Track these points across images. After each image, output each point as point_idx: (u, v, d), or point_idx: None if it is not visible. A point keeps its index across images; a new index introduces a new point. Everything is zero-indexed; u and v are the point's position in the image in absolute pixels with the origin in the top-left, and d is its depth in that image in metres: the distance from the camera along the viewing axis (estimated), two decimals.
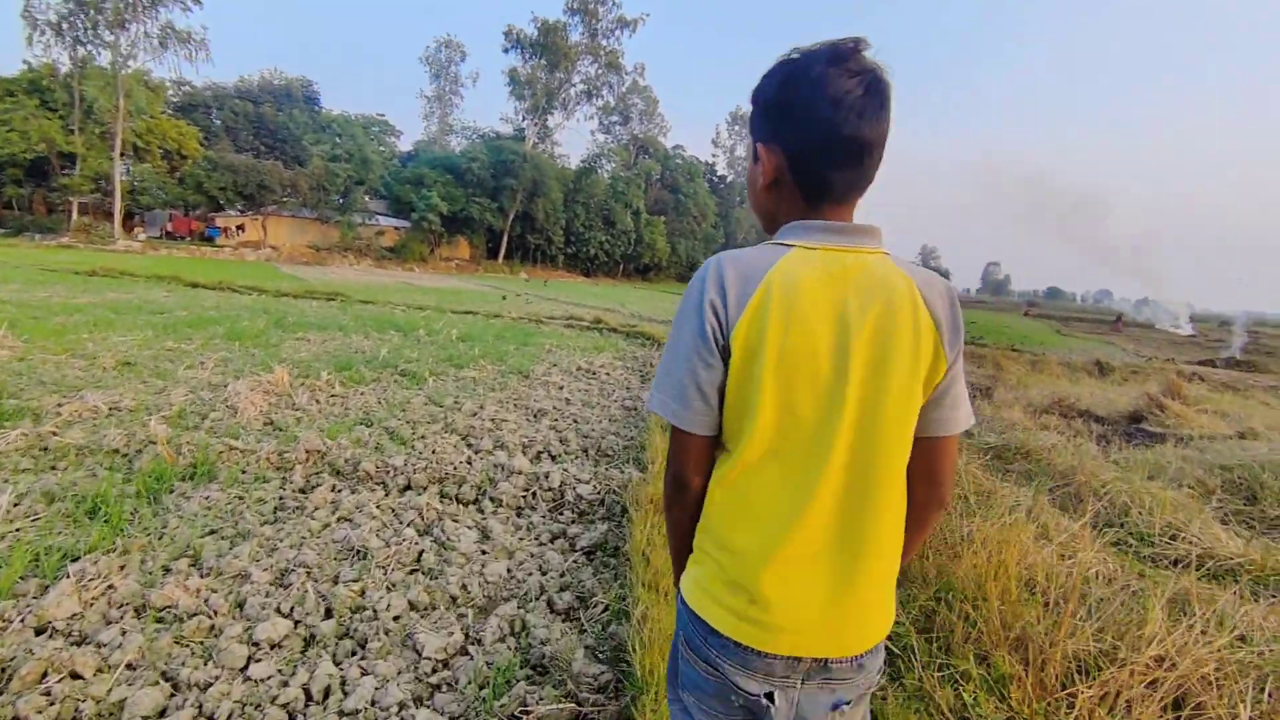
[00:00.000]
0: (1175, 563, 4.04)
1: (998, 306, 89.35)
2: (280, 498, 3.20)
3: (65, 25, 32.53)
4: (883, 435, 0.91)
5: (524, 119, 47.14)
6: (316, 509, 3.08)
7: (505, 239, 45.81)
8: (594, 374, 7.53)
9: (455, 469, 3.68)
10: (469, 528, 3.07)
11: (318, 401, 5.20)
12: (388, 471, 3.60)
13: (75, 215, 34.36)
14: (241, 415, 4.49)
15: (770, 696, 0.94)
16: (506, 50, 44.68)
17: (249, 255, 35.00)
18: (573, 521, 3.33)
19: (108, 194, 34.30)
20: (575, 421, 5.24)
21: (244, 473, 3.53)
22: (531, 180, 43.10)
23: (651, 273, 55.69)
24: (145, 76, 36.51)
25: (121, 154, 35.07)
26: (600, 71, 46.83)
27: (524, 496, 3.48)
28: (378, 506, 3.16)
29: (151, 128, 36.99)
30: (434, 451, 4.09)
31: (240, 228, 38.31)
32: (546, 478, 3.61)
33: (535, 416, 5.27)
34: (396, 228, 42.80)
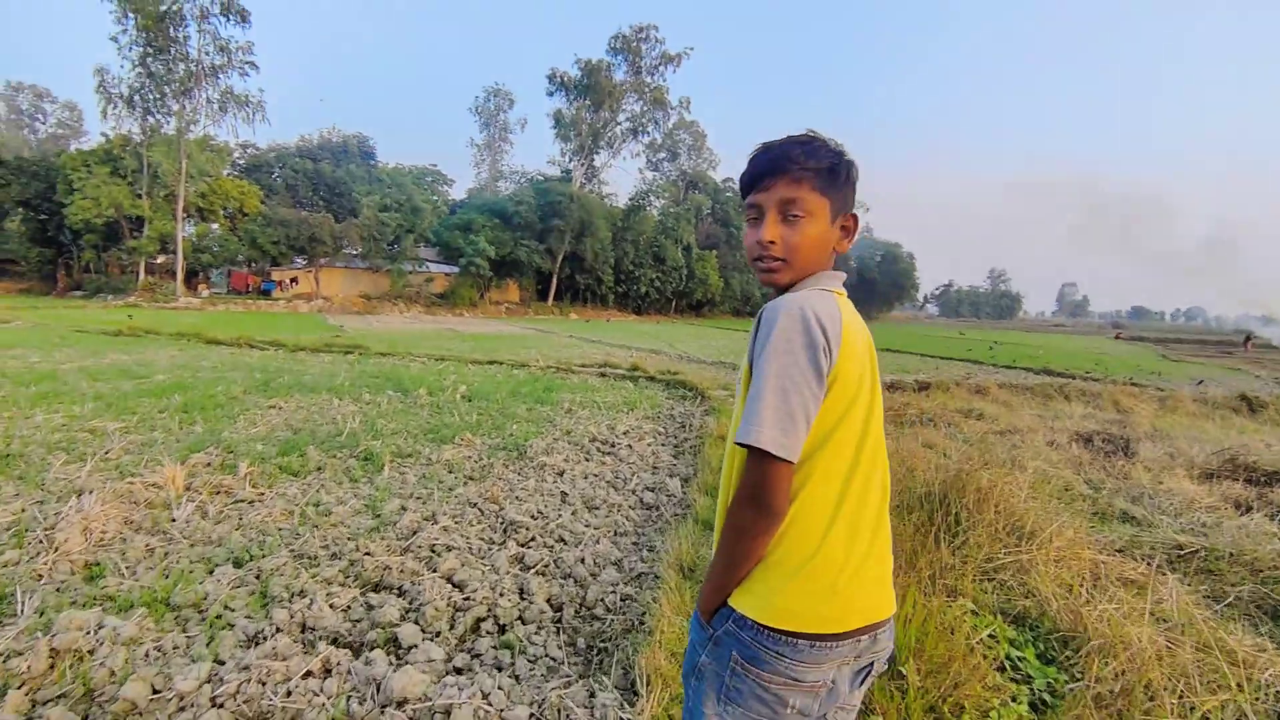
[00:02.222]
0: None
1: (1079, 329, 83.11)
2: None
3: (136, 97, 34.17)
4: (881, 440, 1.21)
5: (570, 160, 46.87)
6: None
7: (554, 280, 45.16)
8: (613, 447, 5.83)
9: (292, 693, 2.03)
10: None
11: (204, 514, 3.69)
12: (166, 702, 1.98)
13: (142, 275, 35.54)
14: (55, 552, 3.00)
15: (831, 675, 1.13)
16: (551, 94, 44.75)
17: (302, 307, 35.31)
18: None
19: (173, 253, 35.39)
20: (561, 541, 3.54)
21: None
22: (579, 220, 42.45)
23: (705, 308, 53.98)
24: (210, 141, 38.05)
25: (186, 215, 36.32)
26: (646, 109, 46.24)
27: None
28: None
29: (214, 188, 38.26)
30: (302, 621, 2.47)
31: (294, 280, 38.90)
32: (448, 718, 1.91)
33: (502, 534, 3.59)
34: (446, 274, 42.75)
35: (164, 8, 31.75)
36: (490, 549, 3.34)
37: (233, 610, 2.63)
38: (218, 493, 4.06)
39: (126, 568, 2.98)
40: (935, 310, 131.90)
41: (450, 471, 4.80)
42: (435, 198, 48.00)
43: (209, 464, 4.63)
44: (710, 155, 59.07)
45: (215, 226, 41.54)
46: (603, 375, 11.02)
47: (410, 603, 2.72)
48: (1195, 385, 15.94)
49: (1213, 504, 5.71)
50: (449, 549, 3.27)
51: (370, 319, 30.37)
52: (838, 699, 1.16)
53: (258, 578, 2.92)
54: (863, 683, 1.19)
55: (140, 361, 10.16)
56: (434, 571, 2.99)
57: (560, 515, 3.90)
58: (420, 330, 22.90)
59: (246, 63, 34.02)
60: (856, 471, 1.15)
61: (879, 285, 76.73)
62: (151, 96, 33.94)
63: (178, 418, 6.09)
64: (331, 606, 2.64)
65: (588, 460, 5.30)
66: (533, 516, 3.86)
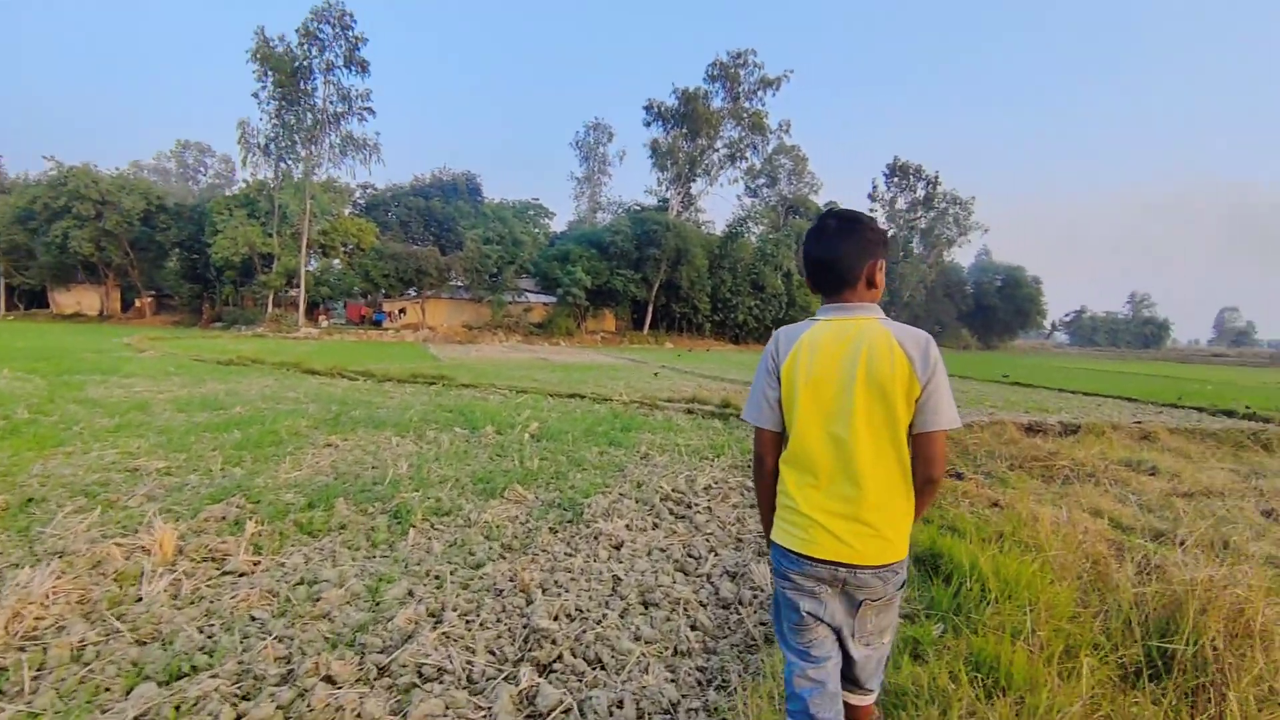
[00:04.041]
0: None
1: (1246, 361, 72.26)
2: None
3: (271, 146, 37.44)
4: (876, 425, 1.56)
5: (667, 189, 46.76)
6: None
7: (650, 309, 44.81)
8: (689, 508, 4.81)
9: None
10: None
11: (176, 593, 3.02)
12: None
13: (270, 307, 38.48)
14: None
15: (820, 589, 1.60)
16: (648, 124, 44.99)
17: (409, 337, 36.87)
18: None
19: (297, 287, 38.17)
20: (598, 664, 2.56)
21: None
22: (675, 249, 41.98)
23: None
24: (333, 183, 41.09)
25: (309, 251, 39.16)
26: (744, 134, 45.51)
27: None
28: None
29: (335, 226, 41.13)
30: None
31: (402, 311, 40.79)
32: None
33: (520, 646, 2.66)
34: (544, 303, 43.50)
35: (297, 64, 34.71)
36: (495, 677, 2.41)
37: None
38: (208, 559, 3.42)
39: (32, 679, 2.30)
40: (1066, 339, 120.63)
41: (487, 538, 3.96)
42: (536, 230, 49.33)
43: (223, 518, 4.06)
44: (812, 179, 57.29)
45: (336, 262, 44.62)
46: (690, 412, 10.02)
47: None
48: None
49: None
50: (440, 673, 2.38)
51: (470, 348, 31.05)
52: (842, 617, 1.62)
53: (178, 709, 2.15)
54: (860, 609, 1.62)
55: (231, 391, 10.26)
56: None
57: (605, 616, 2.92)
58: (513, 360, 22.87)
59: (364, 109, 36.54)
60: (829, 445, 1.59)
61: (999, 312, 70.90)
62: (284, 144, 37.06)
63: (226, 457, 5.69)
64: None
65: (655, 527, 4.30)
66: (569, 616, 2.91)
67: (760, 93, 44.34)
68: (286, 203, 35.75)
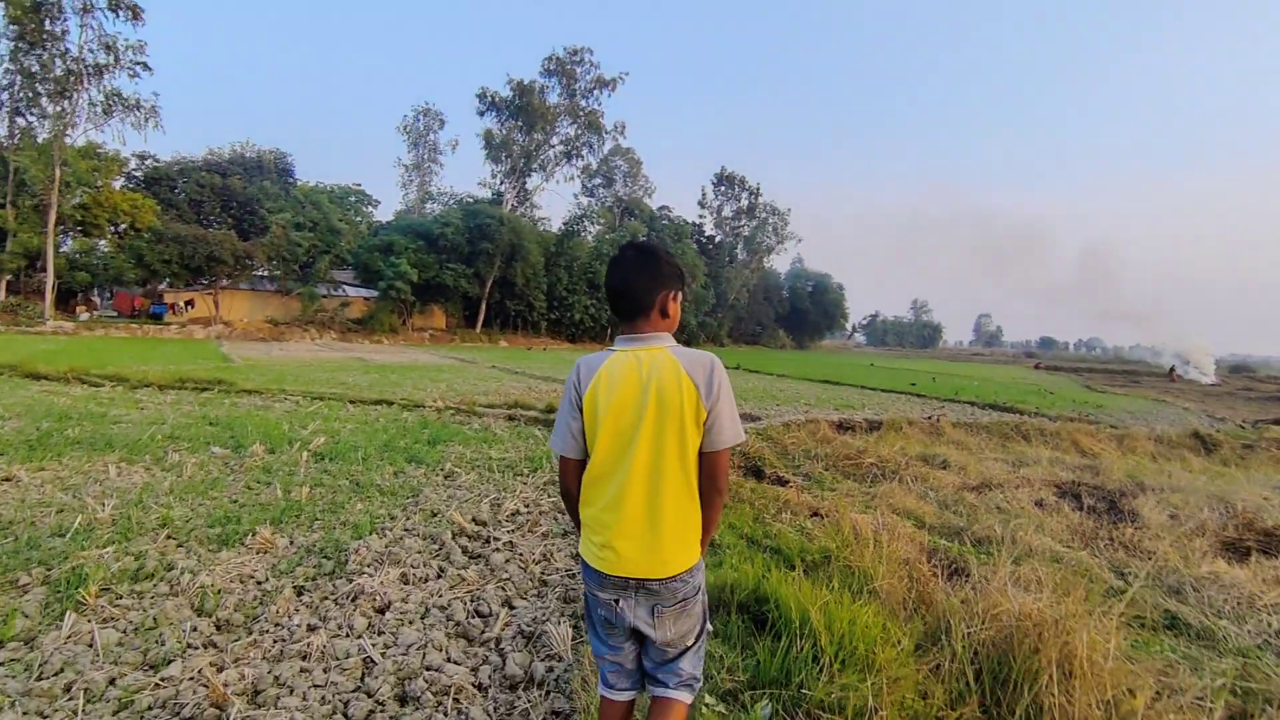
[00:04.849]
0: None
1: (997, 359, 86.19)
2: None
3: (5, 95, 30.42)
4: (665, 450, 1.64)
5: (501, 182, 45.05)
6: None
7: (484, 306, 42.84)
8: (487, 544, 4.05)
9: None
10: None
11: None
12: None
13: (3, 295, 31.25)
14: None
15: (616, 601, 1.69)
16: (481, 113, 42.98)
17: (198, 333, 31.84)
18: None
19: (43, 271, 31.32)
20: None
21: None
22: (509, 244, 40.43)
23: None
24: (97, 148, 34.31)
25: (62, 229, 32.43)
26: (580, 132, 45.10)
27: None
28: None
29: (99, 200, 34.41)
30: None
31: (189, 303, 35.21)
32: None
33: None
34: (365, 298, 39.81)
35: None
36: None
37: None
38: None
39: None
40: (863, 339, 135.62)
41: (197, 612, 2.92)
42: (357, 218, 45.17)
43: None
44: (646, 183, 58.50)
45: (102, 243, 37.39)
46: (511, 419, 9.20)
47: None
48: (1138, 422, 15.39)
49: (1275, 600, 4.43)
50: None
51: (273, 346, 27.43)
52: (633, 620, 1.70)
53: None
54: (655, 613, 1.70)
55: None
56: None
57: None
58: (324, 360, 20.39)
59: (137, 63, 30.80)
60: (623, 470, 1.65)
61: (811, 315, 77.55)
62: (22, 95, 30.27)
63: None
64: None
65: (440, 575, 3.49)
66: None
67: (597, 92, 44.19)
68: (26, 167, 29.11)
